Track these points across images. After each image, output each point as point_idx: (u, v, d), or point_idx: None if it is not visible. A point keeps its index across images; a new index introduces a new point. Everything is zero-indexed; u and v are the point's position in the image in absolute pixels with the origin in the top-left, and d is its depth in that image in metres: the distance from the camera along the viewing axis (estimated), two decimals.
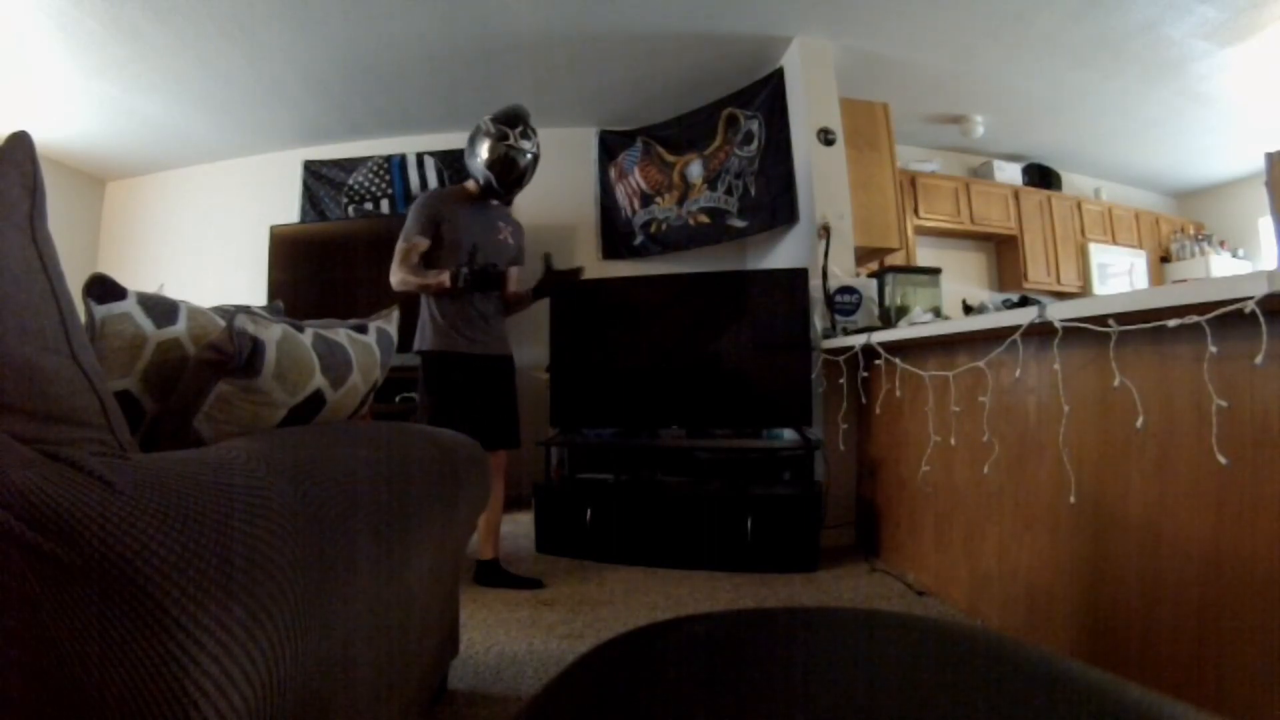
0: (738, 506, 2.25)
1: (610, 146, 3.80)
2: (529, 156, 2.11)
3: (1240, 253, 4.83)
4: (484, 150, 2.07)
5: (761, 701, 0.37)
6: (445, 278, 1.98)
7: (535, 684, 1.42)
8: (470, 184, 2.15)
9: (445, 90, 3.42)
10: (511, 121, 2.08)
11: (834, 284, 2.71)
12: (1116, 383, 1.19)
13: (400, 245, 2.05)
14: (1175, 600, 1.11)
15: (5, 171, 0.50)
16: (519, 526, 2.89)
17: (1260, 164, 3.69)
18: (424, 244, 2.04)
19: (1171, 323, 1.02)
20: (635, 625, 0.49)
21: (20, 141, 0.52)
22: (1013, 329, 1.40)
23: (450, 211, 2.07)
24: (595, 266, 3.78)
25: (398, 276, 2.03)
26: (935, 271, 2.66)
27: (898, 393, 2.15)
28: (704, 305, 2.71)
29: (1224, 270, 4.49)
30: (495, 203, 2.19)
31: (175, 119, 3.56)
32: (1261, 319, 0.88)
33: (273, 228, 3.74)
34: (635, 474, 2.56)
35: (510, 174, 2.08)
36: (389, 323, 1.21)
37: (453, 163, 3.90)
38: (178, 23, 2.67)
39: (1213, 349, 0.98)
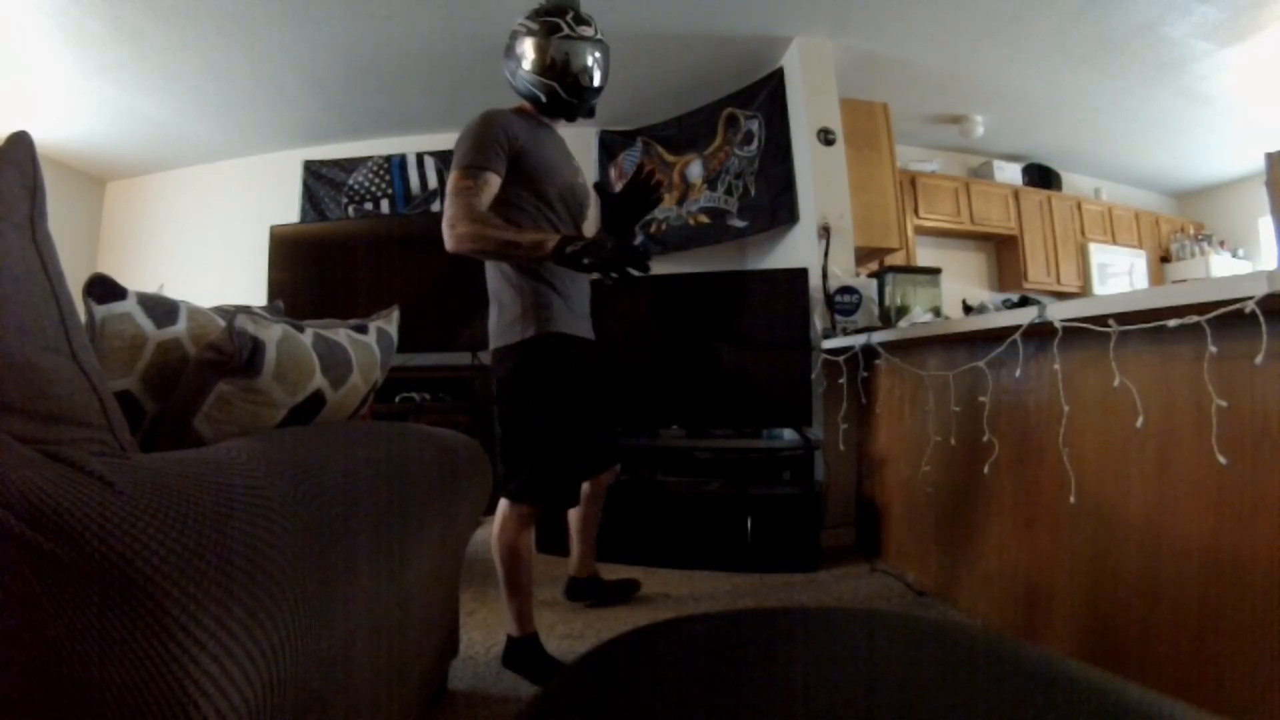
0: (738, 506, 2.25)
1: (610, 146, 3.80)
2: (601, 45, 1.52)
3: (1240, 253, 4.83)
4: (530, 52, 1.46)
5: (761, 701, 0.37)
6: (550, 242, 1.29)
7: (535, 684, 1.42)
8: (525, 104, 1.55)
9: (445, 90, 3.41)
10: (558, 10, 1.48)
11: (834, 284, 2.71)
12: (1116, 383, 1.19)
13: (458, 182, 1.35)
14: (1175, 600, 1.11)
15: (5, 171, 0.50)
16: None
17: (1260, 164, 3.69)
18: (496, 182, 1.38)
19: (1171, 323, 1.02)
20: (635, 625, 0.49)
21: (20, 141, 0.52)
22: (1013, 329, 1.40)
23: (530, 135, 1.47)
24: None
25: (463, 229, 1.31)
26: (935, 271, 2.66)
27: (898, 393, 2.15)
28: (704, 305, 2.71)
29: (1224, 270, 4.49)
30: (552, 126, 1.61)
31: (175, 119, 3.56)
32: (1261, 319, 0.88)
33: (273, 228, 3.74)
34: (635, 474, 2.56)
35: (582, 77, 1.48)
36: (389, 323, 1.21)
37: None
38: (178, 23, 2.67)
39: (1213, 349, 0.98)
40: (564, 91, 1.47)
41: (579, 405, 1.50)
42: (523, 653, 1.47)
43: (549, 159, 1.50)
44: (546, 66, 1.46)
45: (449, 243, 1.36)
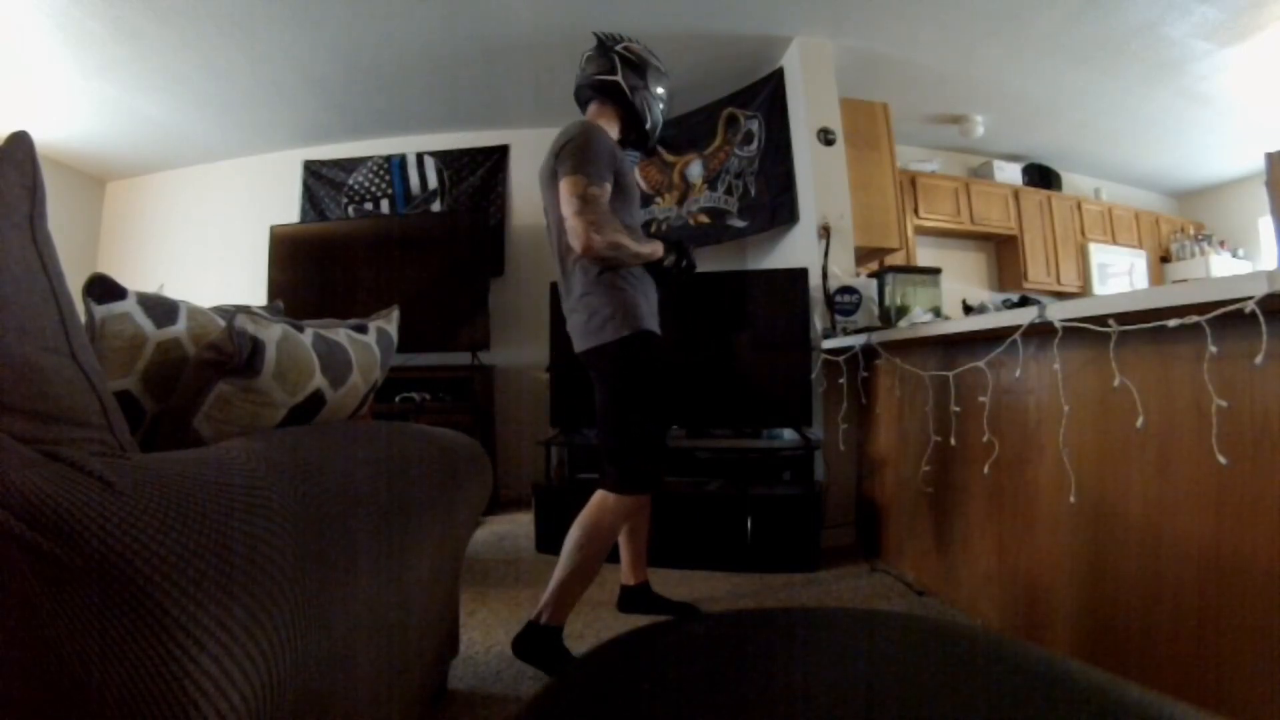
0: (738, 506, 2.25)
1: None
2: None
3: (1240, 253, 4.83)
4: (661, 89, 1.71)
5: (761, 701, 0.37)
6: (658, 248, 1.57)
7: (535, 684, 1.42)
8: (611, 126, 1.68)
9: (445, 90, 3.42)
10: (656, 57, 1.75)
11: (834, 284, 2.71)
12: (1116, 383, 1.19)
13: (588, 188, 1.42)
14: (1175, 600, 1.11)
15: (5, 171, 0.50)
16: (519, 526, 2.89)
17: (1260, 164, 3.70)
18: (609, 191, 1.50)
19: (1171, 323, 1.02)
20: (635, 625, 0.49)
21: (20, 141, 0.52)
22: (1013, 329, 1.40)
23: (621, 157, 1.59)
24: None
25: (608, 237, 1.42)
26: (935, 271, 2.66)
27: (898, 393, 2.15)
28: (704, 305, 2.71)
29: (1224, 270, 4.49)
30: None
31: (175, 119, 3.56)
32: (1261, 319, 0.88)
33: (273, 228, 3.74)
34: None
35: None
36: (389, 323, 1.21)
37: (452, 162, 3.89)
38: (178, 23, 2.67)
39: (1213, 349, 0.98)
40: (656, 134, 1.75)
41: (664, 399, 1.60)
42: (543, 641, 1.50)
43: (631, 181, 1.65)
44: (667, 110, 1.77)
45: (583, 243, 1.42)
